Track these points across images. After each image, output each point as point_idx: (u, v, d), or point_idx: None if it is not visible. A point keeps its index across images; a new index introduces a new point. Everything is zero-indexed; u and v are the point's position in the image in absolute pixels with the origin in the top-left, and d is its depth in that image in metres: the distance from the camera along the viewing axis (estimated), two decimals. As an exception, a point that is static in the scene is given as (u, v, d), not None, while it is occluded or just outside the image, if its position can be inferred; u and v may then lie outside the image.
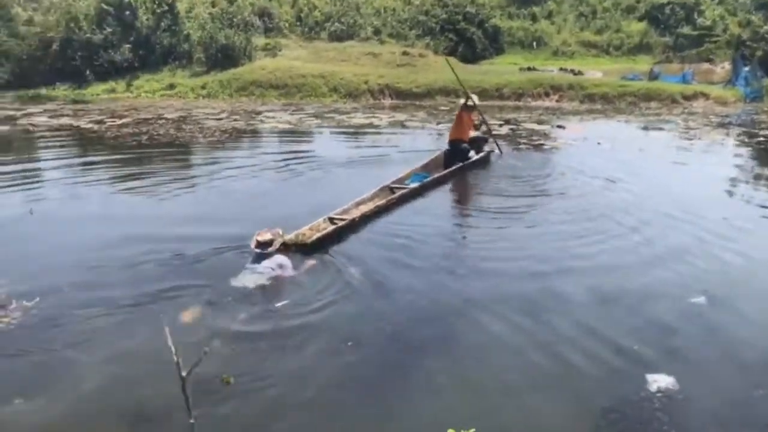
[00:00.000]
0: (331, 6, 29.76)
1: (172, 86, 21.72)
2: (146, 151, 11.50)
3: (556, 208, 7.32)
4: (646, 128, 15.24)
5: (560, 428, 3.35)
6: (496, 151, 10.35)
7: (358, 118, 16.26)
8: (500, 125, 14.32)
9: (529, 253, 5.83)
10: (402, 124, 15.29)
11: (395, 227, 6.60)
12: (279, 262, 5.04)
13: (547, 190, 8.27)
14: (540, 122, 15.36)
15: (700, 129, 14.55)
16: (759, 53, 22.20)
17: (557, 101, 19.88)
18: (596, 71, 24.08)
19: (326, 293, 4.79)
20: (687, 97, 19.44)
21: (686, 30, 29.85)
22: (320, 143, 13.15)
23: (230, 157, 10.97)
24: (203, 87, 21.49)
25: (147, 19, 23.04)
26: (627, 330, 4.26)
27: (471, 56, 27.80)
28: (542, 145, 11.90)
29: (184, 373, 2.17)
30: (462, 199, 8.55)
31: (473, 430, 2.44)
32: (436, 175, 8.51)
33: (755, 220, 6.88)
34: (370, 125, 15.12)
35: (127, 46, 22.47)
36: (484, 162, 9.74)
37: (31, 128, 14.41)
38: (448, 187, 8.65)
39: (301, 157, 10.68)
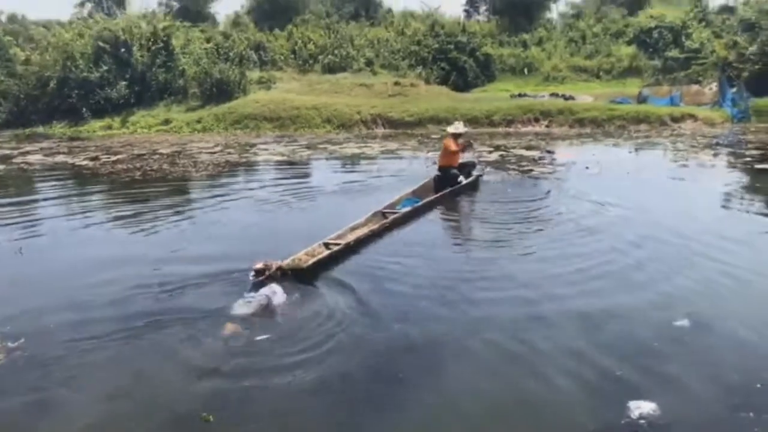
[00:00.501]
0: (325, 39, 30.25)
1: (167, 121, 21.93)
2: (139, 187, 11.59)
3: (544, 233, 7.38)
4: (635, 151, 15.39)
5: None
6: (477, 168, 10.63)
7: (351, 148, 16.41)
8: (490, 152, 14.46)
9: (517, 278, 5.87)
10: (394, 153, 15.43)
11: (387, 253, 6.73)
12: (272, 290, 5.19)
13: (534, 215, 8.33)
14: (529, 148, 15.49)
15: (688, 150, 14.70)
16: (745, 74, 22.49)
17: (547, 126, 20.08)
18: (587, 95, 24.38)
19: (314, 324, 4.81)
20: (675, 119, 19.64)
21: (674, 53, 30.35)
22: (313, 173, 13.29)
23: (223, 189, 11.06)
24: (198, 121, 21.71)
25: (142, 56, 23.37)
26: (611, 355, 4.28)
27: (463, 84, 28.20)
28: (531, 170, 12.00)
29: None
30: (452, 224, 8.65)
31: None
32: (426, 200, 8.71)
33: (741, 241, 6.90)
34: (363, 155, 15.26)
35: (123, 83, 22.75)
36: (473, 186, 10.00)
37: (25, 167, 14.53)
38: (439, 212, 8.78)
39: (294, 187, 10.81)
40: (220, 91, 22.84)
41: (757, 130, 18.13)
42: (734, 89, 21.18)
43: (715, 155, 13.88)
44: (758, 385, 3.89)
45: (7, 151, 17.44)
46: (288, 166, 13.87)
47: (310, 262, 5.93)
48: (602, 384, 3.93)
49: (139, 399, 3.89)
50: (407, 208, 8.26)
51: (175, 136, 20.55)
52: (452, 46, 29.20)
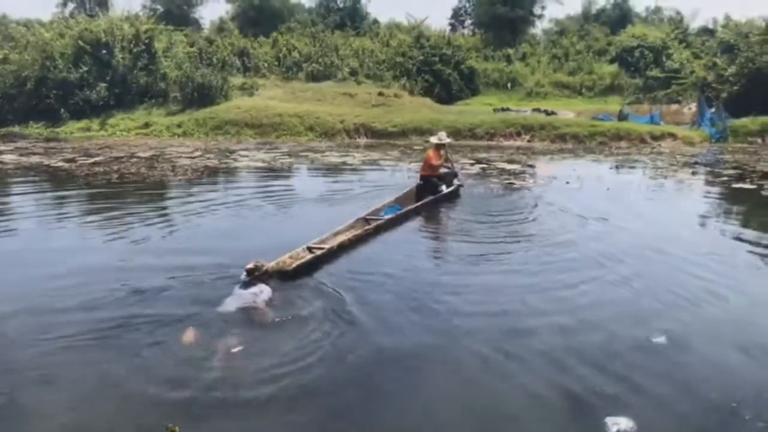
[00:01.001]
0: (310, 47, 30.26)
1: (147, 125, 21.67)
2: (116, 189, 11.38)
3: (524, 245, 7.35)
4: (615, 168, 15.52)
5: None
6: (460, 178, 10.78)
7: (333, 157, 16.33)
8: (471, 164, 14.47)
9: (497, 290, 5.82)
10: (376, 163, 15.38)
11: (369, 259, 6.80)
12: (260, 289, 5.24)
13: (514, 227, 8.32)
14: (511, 161, 15.54)
15: (667, 168, 14.86)
16: (724, 95, 22.89)
17: (529, 141, 20.21)
18: (569, 111, 24.67)
19: (294, 330, 4.72)
20: (655, 138, 19.89)
21: (655, 72, 30.92)
22: (293, 180, 13.20)
23: (200, 194, 10.87)
24: (179, 126, 21.48)
25: (123, 58, 23.09)
26: (590, 370, 4.22)
27: (447, 97, 28.36)
28: (512, 183, 12.02)
29: None
30: (433, 235, 8.63)
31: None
32: (408, 208, 8.89)
33: (719, 259, 6.93)
34: (344, 164, 15.18)
35: (103, 84, 22.45)
36: (454, 195, 10.17)
37: (-1, 166, 14.23)
38: (421, 222, 8.84)
39: (272, 194, 10.70)
40: (201, 96, 22.65)
41: (734, 150, 18.45)
42: (713, 109, 21.56)
43: (694, 174, 14.04)
44: (734, 404, 3.85)
45: (-19, 150, 17.06)
46: (268, 173, 13.73)
47: (295, 264, 6.02)
48: (580, 399, 3.87)
49: (102, 408, 3.74)
50: (390, 215, 8.40)
51: (154, 139, 20.30)
52: (437, 59, 29.40)
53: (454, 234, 8.16)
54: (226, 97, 23.26)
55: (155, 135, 20.94)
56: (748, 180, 12.70)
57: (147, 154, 16.25)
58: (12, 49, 24.49)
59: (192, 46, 28.13)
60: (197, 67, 23.84)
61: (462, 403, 3.93)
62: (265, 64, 29.17)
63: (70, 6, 39.96)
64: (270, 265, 5.74)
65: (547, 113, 23.50)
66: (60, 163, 14.56)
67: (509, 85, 31.69)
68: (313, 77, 27.80)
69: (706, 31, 36.68)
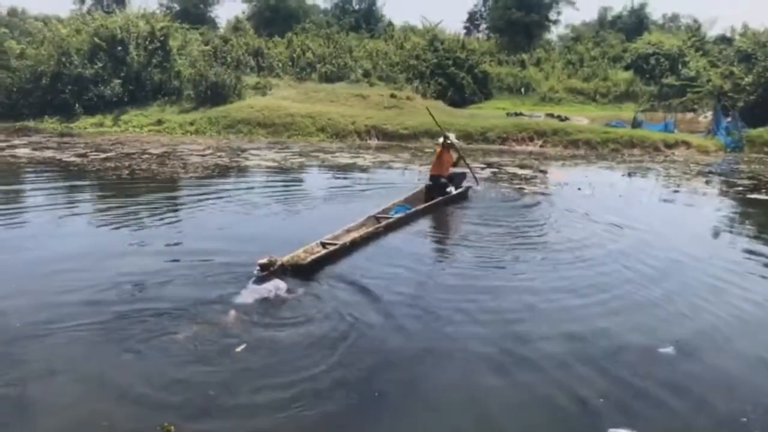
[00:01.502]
0: (324, 48, 30.27)
1: (160, 122, 21.75)
2: (126, 185, 11.43)
3: (533, 251, 7.29)
4: (627, 175, 15.38)
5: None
6: (475, 186, 10.89)
7: (343, 158, 16.31)
8: (483, 168, 14.38)
9: (504, 294, 5.78)
10: (386, 165, 15.34)
11: (380, 257, 6.94)
12: (276, 285, 5.32)
13: (524, 232, 8.27)
14: (522, 166, 15.45)
15: (680, 177, 14.69)
16: (740, 104, 22.65)
17: (541, 146, 20.08)
18: (582, 117, 24.46)
19: (302, 332, 4.70)
20: (669, 146, 19.68)
21: (671, 80, 30.60)
22: (303, 180, 13.18)
23: (210, 192, 10.85)
24: (191, 123, 21.55)
25: (138, 55, 23.20)
26: (596, 379, 4.17)
27: (460, 100, 28.24)
28: (522, 189, 11.92)
29: None
30: (443, 237, 8.61)
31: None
32: (417, 208, 9.01)
33: (732, 269, 6.84)
34: (354, 165, 15.15)
35: (118, 81, 22.56)
36: (462, 197, 10.24)
37: (11, 160, 14.31)
38: (429, 222, 8.95)
39: (283, 193, 10.75)
40: (214, 94, 22.71)
41: (750, 160, 18.24)
42: (729, 119, 21.31)
43: (708, 183, 13.88)
44: (743, 419, 3.77)
45: (-5, 143, 17.22)
46: (279, 172, 13.73)
47: (309, 259, 6.15)
48: (586, 408, 3.82)
49: (99, 405, 3.72)
50: (399, 215, 8.53)
51: (167, 136, 20.37)
52: (451, 62, 29.30)
53: (462, 238, 8.07)
54: (239, 96, 23.31)
55: (168, 132, 21.02)
56: (763, 191, 12.54)
57: (159, 151, 16.30)
58: (29, 44, 24.73)
59: (207, 44, 28.24)
60: (211, 66, 23.90)
61: (468, 407, 3.88)
62: (279, 64, 29.21)
63: (88, 2, 40.32)
64: (284, 259, 5.84)
65: (561, 119, 23.33)
66: (72, 158, 14.63)
67: (523, 90, 31.51)
68: (327, 78, 27.80)
69: (724, 40, 36.25)
